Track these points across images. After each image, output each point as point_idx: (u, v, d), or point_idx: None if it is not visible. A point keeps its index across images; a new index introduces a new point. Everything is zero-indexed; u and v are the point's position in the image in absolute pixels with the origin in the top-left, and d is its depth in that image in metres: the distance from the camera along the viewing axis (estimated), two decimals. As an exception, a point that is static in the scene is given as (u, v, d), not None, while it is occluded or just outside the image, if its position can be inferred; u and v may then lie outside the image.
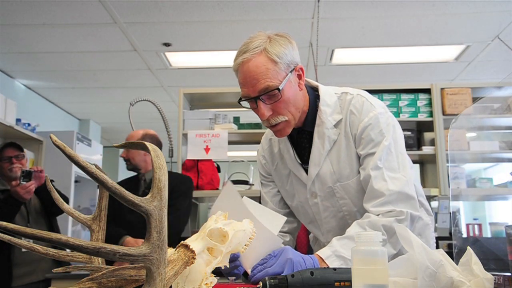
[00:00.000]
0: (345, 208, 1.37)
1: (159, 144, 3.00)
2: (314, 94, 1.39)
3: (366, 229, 1.22)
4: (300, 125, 1.38)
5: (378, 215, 1.26)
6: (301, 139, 1.40)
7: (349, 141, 1.34)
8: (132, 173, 3.01)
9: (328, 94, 1.39)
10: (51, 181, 3.12)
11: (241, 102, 1.32)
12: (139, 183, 2.94)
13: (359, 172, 1.33)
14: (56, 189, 3.07)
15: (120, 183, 3.01)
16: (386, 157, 1.30)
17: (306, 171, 1.39)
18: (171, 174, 3.03)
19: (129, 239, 2.69)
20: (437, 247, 1.91)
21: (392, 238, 1.23)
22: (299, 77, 1.33)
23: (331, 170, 1.35)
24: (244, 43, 1.29)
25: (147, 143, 0.68)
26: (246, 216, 1.00)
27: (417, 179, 1.50)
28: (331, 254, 1.19)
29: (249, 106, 1.31)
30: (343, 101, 1.37)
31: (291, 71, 1.28)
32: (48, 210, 3.16)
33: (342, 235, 1.25)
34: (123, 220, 2.71)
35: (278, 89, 1.24)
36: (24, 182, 2.89)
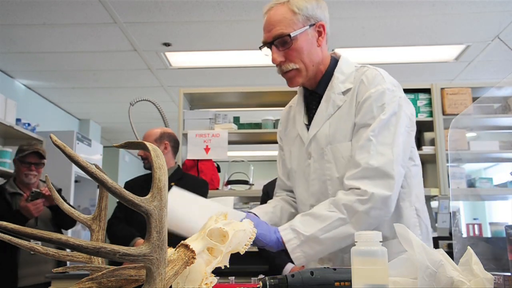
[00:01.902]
0: (328, 172, 1.35)
1: (176, 143, 3.00)
2: (334, 62, 1.44)
3: (329, 207, 1.24)
4: (314, 87, 1.42)
5: (348, 189, 1.26)
6: (312, 101, 1.44)
7: (351, 110, 1.34)
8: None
9: (346, 64, 1.45)
10: (59, 190, 3.17)
11: (261, 49, 1.39)
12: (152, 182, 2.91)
13: (350, 140, 1.33)
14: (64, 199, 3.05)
15: (134, 180, 3.01)
16: (380, 130, 1.28)
17: (309, 131, 1.43)
18: (188, 177, 3.02)
19: (140, 240, 2.68)
20: (437, 247, 1.91)
21: (352, 218, 1.23)
22: (319, 33, 1.41)
23: (328, 132, 1.36)
24: None
25: (148, 143, 0.68)
26: (204, 205, 1.02)
27: (420, 182, 1.47)
28: (287, 227, 1.23)
29: (268, 53, 1.37)
30: (358, 72, 1.40)
31: (310, 25, 1.36)
32: (58, 223, 3.17)
33: (307, 211, 1.29)
34: (135, 220, 2.70)
35: (289, 35, 1.31)
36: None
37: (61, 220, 3.15)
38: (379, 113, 1.29)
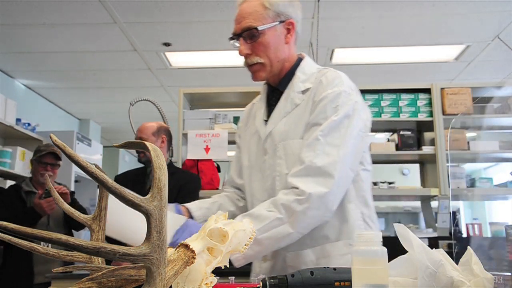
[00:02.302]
0: (278, 168, 1.36)
1: (171, 137, 3.05)
2: (299, 62, 1.45)
3: (269, 207, 1.24)
4: (277, 84, 1.44)
5: (290, 187, 1.25)
6: (273, 97, 1.46)
7: (307, 108, 1.35)
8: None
9: (309, 65, 1.45)
10: (72, 193, 3.22)
11: (230, 40, 1.41)
12: (146, 177, 2.92)
13: (302, 138, 1.34)
14: (77, 203, 3.08)
15: (125, 174, 3.02)
16: (330, 131, 1.28)
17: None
18: (180, 172, 3.04)
19: None
20: (437, 247, 1.91)
21: (290, 217, 1.22)
22: (288, 31, 1.41)
23: (282, 129, 1.38)
24: None
25: (147, 143, 0.68)
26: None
27: (369, 187, 1.43)
28: None
29: (237, 46, 1.39)
30: (320, 73, 1.40)
31: (280, 22, 1.38)
32: (69, 223, 3.24)
33: (248, 212, 1.29)
34: None
35: (257, 29, 1.33)
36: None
37: (72, 220, 3.17)
38: (331, 114, 1.29)
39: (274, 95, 1.46)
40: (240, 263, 1.23)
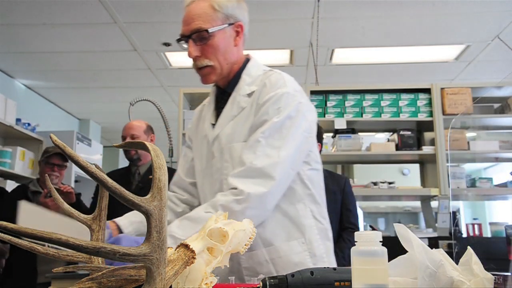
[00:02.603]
0: (225, 171, 1.36)
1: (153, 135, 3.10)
2: (246, 64, 1.45)
3: (206, 209, 1.24)
4: (225, 85, 1.44)
5: (230, 188, 1.26)
6: (221, 100, 1.45)
7: (252, 111, 1.36)
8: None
9: (255, 67, 1.44)
10: (78, 194, 3.25)
11: (178, 42, 1.39)
12: (132, 176, 2.93)
13: (246, 140, 1.34)
14: (83, 204, 3.10)
15: (110, 174, 3.03)
16: (272, 133, 1.28)
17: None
18: (171, 171, 3.05)
19: None
20: (437, 247, 1.91)
21: (230, 217, 1.23)
22: (237, 33, 1.40)
23: (229, 132, 1.38)
24: None
25: (147, 143, 0.68)
26: (54, 219, 0.99)
27: (318, 185, 1.45)
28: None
29: (185, 47, 1.37)
30: (265, 76, 1.40)
31: (229, 24, 1.36)
32: None
33: (185, 215, 1.27)
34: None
35: (207, 31, 1.32)
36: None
37: None
38: (273, 115, 1.29)
39: (223, 97, 1.45)
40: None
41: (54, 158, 3.19)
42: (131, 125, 2.99)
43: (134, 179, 2.92)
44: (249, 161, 1.26)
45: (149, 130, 3.01)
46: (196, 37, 1.33)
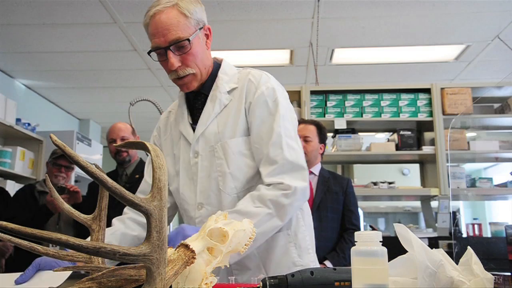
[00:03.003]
0: (219, 168, 1.37)
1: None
2: (217, 65, 1.47)
3: (255, 203, 1.27)
4: (199, 88, 1.44)
5: (269, 185, 1.29)
6: (197, 101, 1.46)
7: (240, 107, 1.38)
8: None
9: (229, 67, 1.48)
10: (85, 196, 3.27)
11: (150, 54, 1.37)
12: (119, 178, 2.95)
13: (241, 136, 1.37)
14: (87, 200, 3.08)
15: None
16: (284, 125, 1.35)
17: (195, 131, 1.44)
18: None
19: None
20: (437, 247, 1.91)
21: (279, 211, 1.28)
22: (207, 36, 1.42)
23: (216, 130, 1.39)
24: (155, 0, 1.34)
25: (147, 143, 0.68)
26: None
27: None
28: None
29: (157, 59, 1.36)
30: (242, 74, 1.45)
31: (199, 29, 1.36)
32: (79, 225, 3.26)
33: (231, 210, 1.28)
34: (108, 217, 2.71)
35: (188, 40, 1.31)
36: None
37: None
38: (276, 109, 1.36)
39: (198, 99, 1.45)
40: (235, 259, 1.25)
41: (62, 159, 3.23)
42: (119, 127, 3.02)
43: (121, 180, 2.95)
44: (280, 158, 1.31)
45: (134, 131, 3.08)
46: (175, 47, 1.31)
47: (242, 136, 1.37)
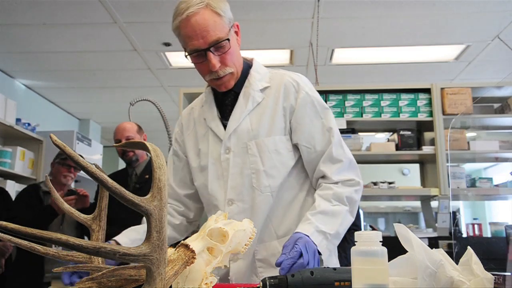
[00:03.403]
0: (253, 165, 1.37)
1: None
2: (247, 64, 1.47)
3: (332, 202, 1.31)
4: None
5: (337, 182, 1.35)
6: (226, 98, 1.45)
7: (276, 107, 1.39)
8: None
9: (260, 66, 1.49)
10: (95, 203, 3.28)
11: (187, 56, 1.36)
12: (128, 177, 2.92)
13: (277, 135, 1.39)
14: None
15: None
16: (334, 125, 1.41)
17: (225, 127, 1.43)
18: None
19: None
20: (437, 247, 1.91)
21: (352, 207, 1.34)
22: (236, 33, 1.41)
23: (249, 127, 1.39)
24: (182, 1, 1.33)
25: (147, 143, 0.68)
26: None
27: None
28: (314, 230, 1.24)
29: (191, 61, 1.36)
30: (274, 74, 1.46)
31: (231, 26, 1.36)
32: (83, 226, 3.26)
33: (313, 211, 1.29)
34: (117, 218, 2.69)
35: (228, 39, 1.31)
36: None
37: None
38: (324, 111, 1.41)
39: (228, 96, 1.44)
40: (326, 255, 1.27)
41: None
42: (124, 127, 2.99)
43: (131, 180, 2.92)
44: (343, 156, 1.38)
45: (140, 130, 3.03)
46: (214, 48, 1.31)
47: (278, 135, 1.38)
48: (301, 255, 1.13)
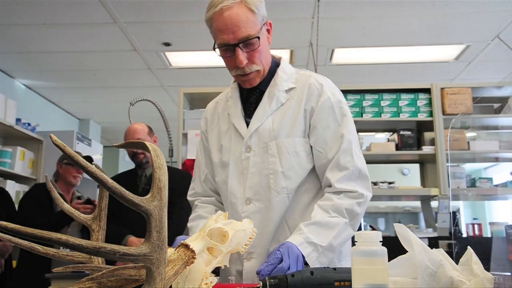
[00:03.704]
0: (271, 166, 1.37)
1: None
2: (275, 62, 1.46)
3: (330, 213, 1.27)
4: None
5: (339, 192, 1.30)
6: (251, 95, 1.44)
7: (298, 109, 1.38)
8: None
9: (288, 66, 1.48)
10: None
11: (215, 50, 1.36)
12: (138, 178, 2.91)
13: (297, 137, 1.37)
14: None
15: (115, 178, 3.02)
16: (353, 132, 1.37)
17: (248, 125, 1.42)
18: (171, 170, 3.04)
19: (132, 238, 2.67)
20: (437, 247, 1.91)
21: (353, 220, 1.29)
22: (268, 31, 1.40)
23: (271, 127, 1.38)
24: None
25: (147, 143, 0.68)
26: None
27: None
28: (303, 241, 1.22)
29: (219, 54, 1.35)
30: (300, 75, 1.45)
31: (263, 24, 1.35)
32: (88, 232, 3.28)
33: (308, 221, 1.28)
34: (124, 218, 2.69)
35: (258, 37, 1.30)
36: None
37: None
38: (343, 117, 1.37)
39: (253, 94, 1.44)
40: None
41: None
42: (135, 129, 2.95)
43: (140, 181, 2.90)
44: (350, 164, 1.32)
45: (151, 131, 3.00)
46: (243, 44, 1.30)
47: (298, 137, 1.37)
48: (281, 260, 1.13)
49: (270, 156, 1.37)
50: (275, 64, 1.45)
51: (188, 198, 1.62)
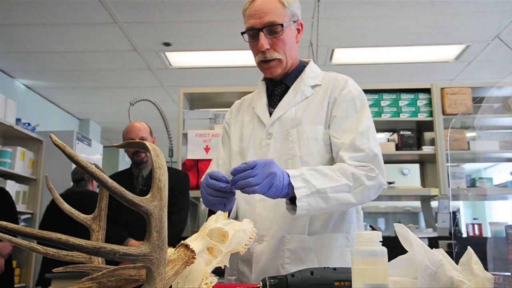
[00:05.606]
0: (291, 151, 1.40)
1: None
2: (303, 63, 1.53)
3: (335, 172, 1.25)
4: (282, 77, 1.49)
5: (351, 165, 1.29)
6: (277, 89, 1.50)
7: (323, 101, 1.43)
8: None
9: (316, 67, 1.55)
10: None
11: (243, 34, 1.44)
12: (135, 179, 2.88)
13: (319, 125, 1.40)
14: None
15: (113, 177, 3.02)
16: (372, 122, 1.40)
17: (271, 115, 1.47)
18: (170, 170, 3.03)
19: (132, 241, 2.65)
20: (437, 247, 1.91)
21: (357, 188, 1.26)
22: (298, 31, 1.48)
23: (294, 116, 1.43)
24: None
25: (147, 143, 0.68)
26: None
27: None
28: (298, 175, 1.21)
29: (247, 40, 1.43)
30: (328, 75, 1.50)
31: (294, 22, 1.43)
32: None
33: (310, 167, 1.28)
34: (123, 220, 2.68)
35: (282, 25, 1.37)
36: None
37: None
38: (363, 109, 1.40)
39: (278, 88, 1.50)
40: (303, 213, 1.21)
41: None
42: (139, 127, 2.92)
43: (137, 182, 2.87)
44: (366, 147, 1.31)
45: (152, 131, 3.01)
46: (268, 30, 1.38)
47: (320, 125, 1.40)
48: (253, 167, 1.12)
49: (290, 142, 1.41)
50: (303, 64, 1.52)
51: (202, 180, 1.63)
